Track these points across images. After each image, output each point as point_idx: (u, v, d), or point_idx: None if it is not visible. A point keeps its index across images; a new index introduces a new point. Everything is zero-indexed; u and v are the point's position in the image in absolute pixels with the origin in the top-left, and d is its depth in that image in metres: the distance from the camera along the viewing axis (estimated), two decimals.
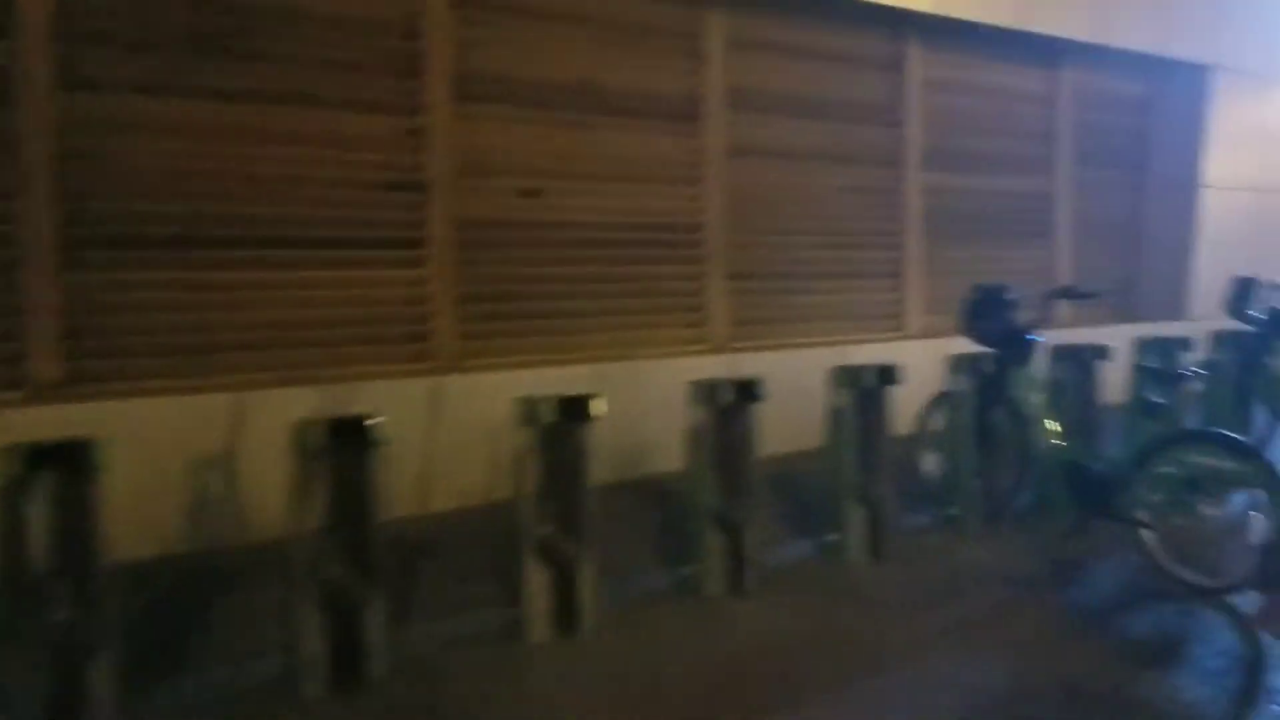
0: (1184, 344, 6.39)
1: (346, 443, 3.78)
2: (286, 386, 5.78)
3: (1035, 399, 5.41)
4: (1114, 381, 6.52)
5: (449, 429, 6.23)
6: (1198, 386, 6.21)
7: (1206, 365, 7.02)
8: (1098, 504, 5.04)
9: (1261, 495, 4.45)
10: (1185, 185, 11.13)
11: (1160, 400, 5.18)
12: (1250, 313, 6.91)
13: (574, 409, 4.24)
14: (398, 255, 6.49)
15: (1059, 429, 5.32)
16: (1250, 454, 4.55)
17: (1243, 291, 6.96)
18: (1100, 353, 6.06)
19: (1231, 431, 5.91)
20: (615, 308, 7.47)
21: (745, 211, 8.15)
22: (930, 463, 6.01)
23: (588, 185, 7.35)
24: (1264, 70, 11.56)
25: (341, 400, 5.72)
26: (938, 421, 5.97)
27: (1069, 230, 10.61)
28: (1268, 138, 11.79)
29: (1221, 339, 6.83)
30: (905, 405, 6.16)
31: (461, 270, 6.74)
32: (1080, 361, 6.06)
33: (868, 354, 7.91)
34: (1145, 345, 6.37)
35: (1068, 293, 5.81)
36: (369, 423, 3.82)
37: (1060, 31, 9.70)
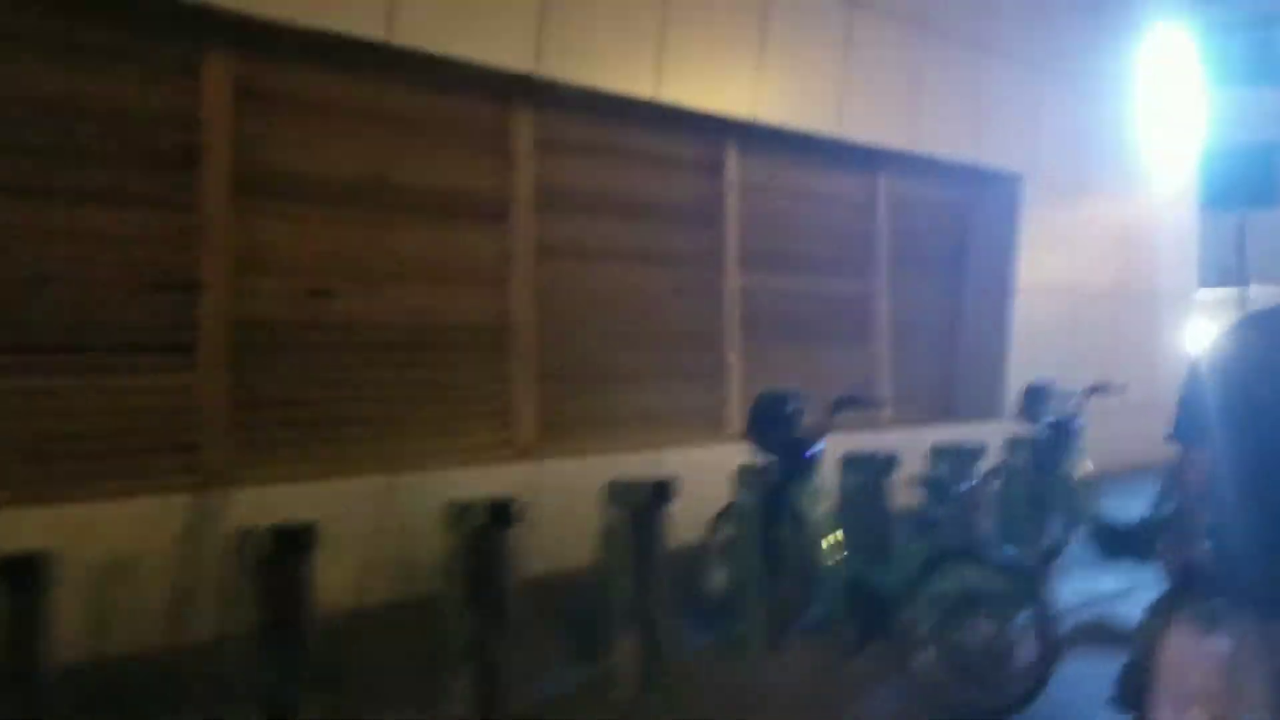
0: (976, 451, 6.40)
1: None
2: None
3: (818, 511, 5.26)
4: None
5: (210, 552, 5.73)
6: (978, 499, 6.20)
7: (1000, 471, 7.08)
8: (877, 622, 4.90)
9: (1029, 613, 4.41)
10: (999, 289, 11.46)
11: (939, 513, 5.11)
12: (1042, 419, 7.00)
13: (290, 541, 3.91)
14: (162, 360, 6.06)
15: (840, 543, 5.18)
16: (1018, 571, 4.48)
17: (1035, 397, 7.06)
18: (890, 462, 6.00)
19: (1025, 539, 6.00)
20: (412, 414, 7.16)
21: (556, 312, 7.97)
22: (717, 578, 5.80)
23: (386, 285, 7.07)
24: (1069, 179, 12.07)
25: (90, 523, 5.29)
26: (725, 534, 5.77)
27: (888, 332, 10.75)
28: (1075, 243, 12.28)
29: (1015, 444, 6.89)
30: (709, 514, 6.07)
31: (239, 376, 6.35)
32: (870, 471, 5.99)
33: (686, 457, 7.85)
34: (938, 453, 6.37)
35: (851, 402, 5.66)
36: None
37: (875, 141, 9.94)
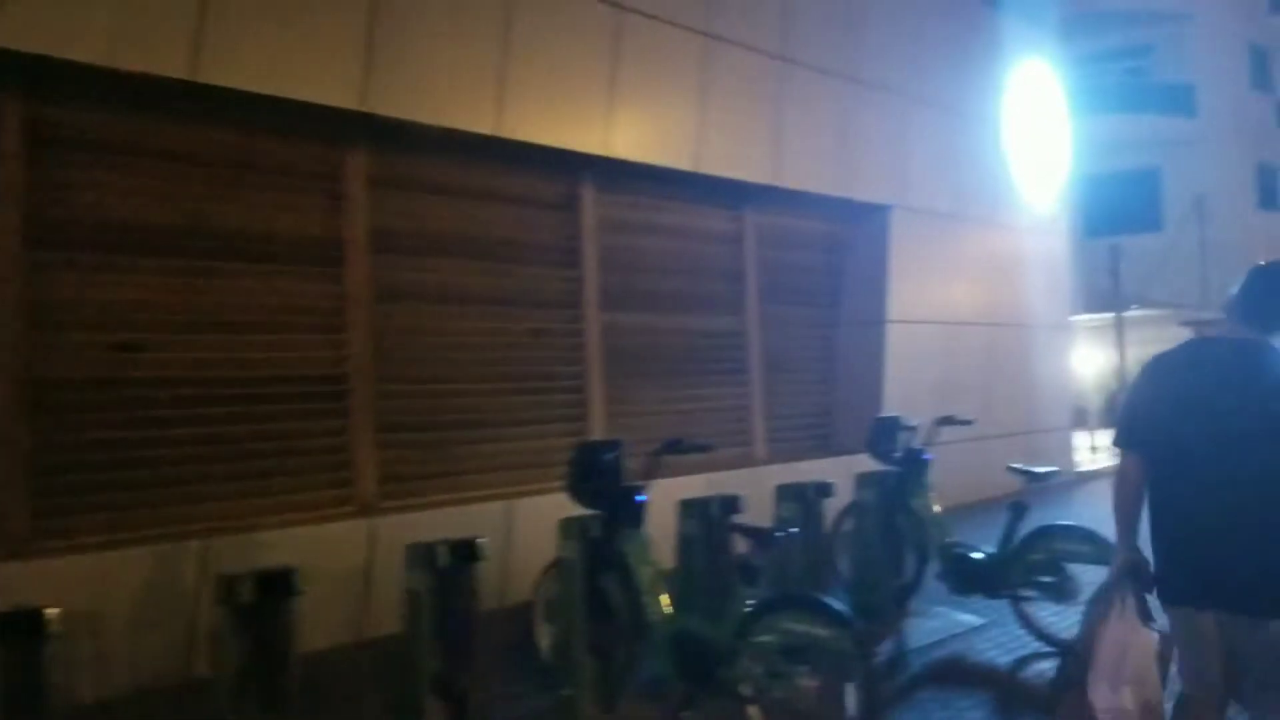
0: (822, 489, 6.20)
1: None
2: None
3: (648, 562, 4.98)
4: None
5: None
6: (815, 540, 5.98)
7: (852, 509, 6.90)
8: (706, 677, 4.66)
9: (853, 664, 4.24)
10: (873, 320, 11.39)
11: (762, 560, 4.85)
12: (891, 453, 6.84)
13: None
14: None
15: (667, 596, 4.92)
16: (839, 620, 4.24)
17: (883, 431, 6.90)
18: (730, 504, 5.73)
19: (879, 577, 5.81)
20: (240, 471, 6.74)
21: (398, 359, 7.63)
22: (545, 637, 5.52)
23: (207, 335, 6.66)
24: (940, 209, 12.10)
25: None
26: (552, 591, 5.49)
27: (760, 367, 10.59)
28: (949, 273, 12.30)
29: (864, 480, 6.71)
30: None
31: (36, 438, 5.89)
32: (708, 515, 5.72)
33: (542, 505, 7.50)
34: (782, 492, 6.15)
35: (676, 446, 5.35)
36: None
37: (738, 175, 9.81)
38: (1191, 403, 3.18)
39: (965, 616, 6.64)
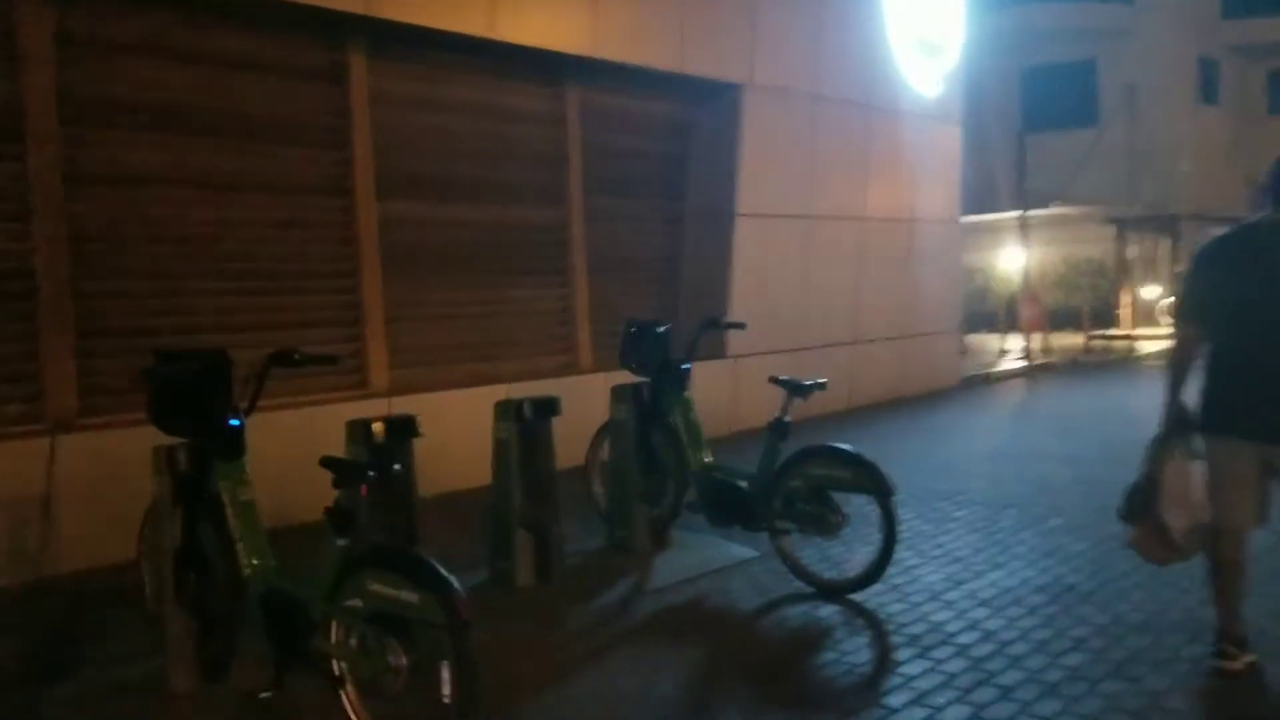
0: (547, 405, 5.26)
1: None
2: None
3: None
4: None
5: None
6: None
7: (607, 430, 5.96)
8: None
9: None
10: (719, 214, 10.34)
11: (354, 502, 3.80)
12: (645, 363, 5.86)
13: None
14: None
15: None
16: (430, 583, 3.31)
17: (638, 339, 5.90)
18: (548, 407, 5.33)
19: (632, 506, 5.14)
20: None
21: (102, 253, 6.51)
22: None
23: None
24: (802, 91, 10.98)
25: None
26: (604, 450, 6.13)
27: (584, 267, 9.53)
28: (814, 163, 11.22)
29: (619, 395, 5.75)
30: None
31: None
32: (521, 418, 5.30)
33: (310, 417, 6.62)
34: (502, 409, 5.20)
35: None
36: None
37: (546, 44, 8.61)
38: (1247, 270, 3.80)
39: (738, 549, 5.75)
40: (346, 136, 7.74)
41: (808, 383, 5.23)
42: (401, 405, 7.47)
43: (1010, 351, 18.68)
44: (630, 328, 5.92)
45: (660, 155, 10.32)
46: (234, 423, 3.89)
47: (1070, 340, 21.11)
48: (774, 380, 5.35)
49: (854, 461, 4.91)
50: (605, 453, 6.00)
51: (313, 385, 7.41)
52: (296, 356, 3.95)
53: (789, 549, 5.19)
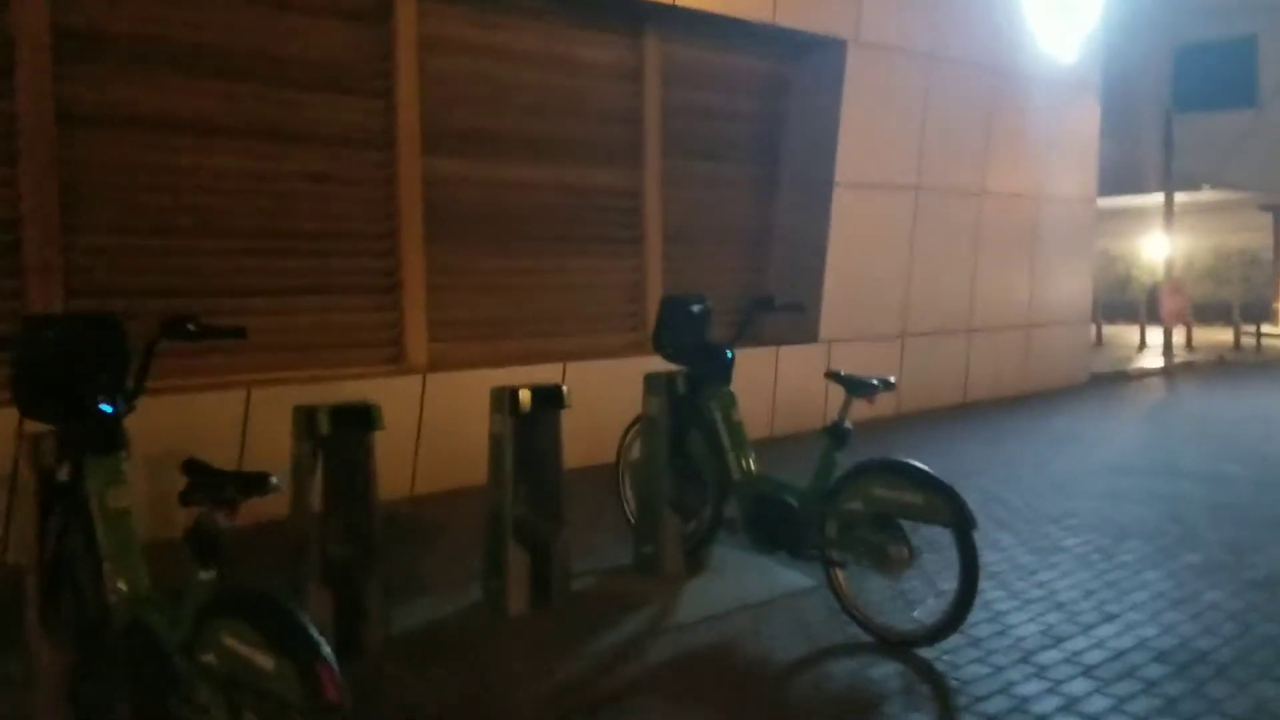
0: (551, 394, 4.34)
1: None
2: None
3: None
4: None
5: None
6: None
7: (640, 427, 5.02)
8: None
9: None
10: (817, 183, 9.27)
11: (214, 528, 2.97)
12: (681, 349, 4.88)
13: None
14: None
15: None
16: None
17: (670, 318, 4.91)
18: (551, 396, 4.27)
19: (663, 520, 4.30)
20: None
21: (95, 203, 5.87)
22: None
23: None
24: (916, 49, 9.80)
25: None
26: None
27: (664, 237, 8.60)
28: (921, 128, 10.03)
29: (652, 385, 4.79)
30: None
31: None
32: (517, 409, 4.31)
33: (330, 394, 5.91)
34: (497, 398, 4.28)
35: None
36: None
37: None
38: None
39: (789, 576, 4.78)
40: (390, 83, 6.97)
41: (874, 381, 4.20)
42: (440, 384, 6.73)
43: (1150, 347, 17.08)
44: (665, 304, 4.96)
45: (751, 116, 9.30)
46: (105, 408, 3.09)
47: (1217, 336, 19.29)
48: (831, 376, 4.33)
49: (926, 483, 3.89)
50: (636, 451, 5.07)
51: (336, 358, 6.71)
52: (191, 327, 3.10)
53: (844, 585, 4.21)
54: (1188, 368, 15.28)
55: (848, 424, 4.24)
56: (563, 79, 7.90)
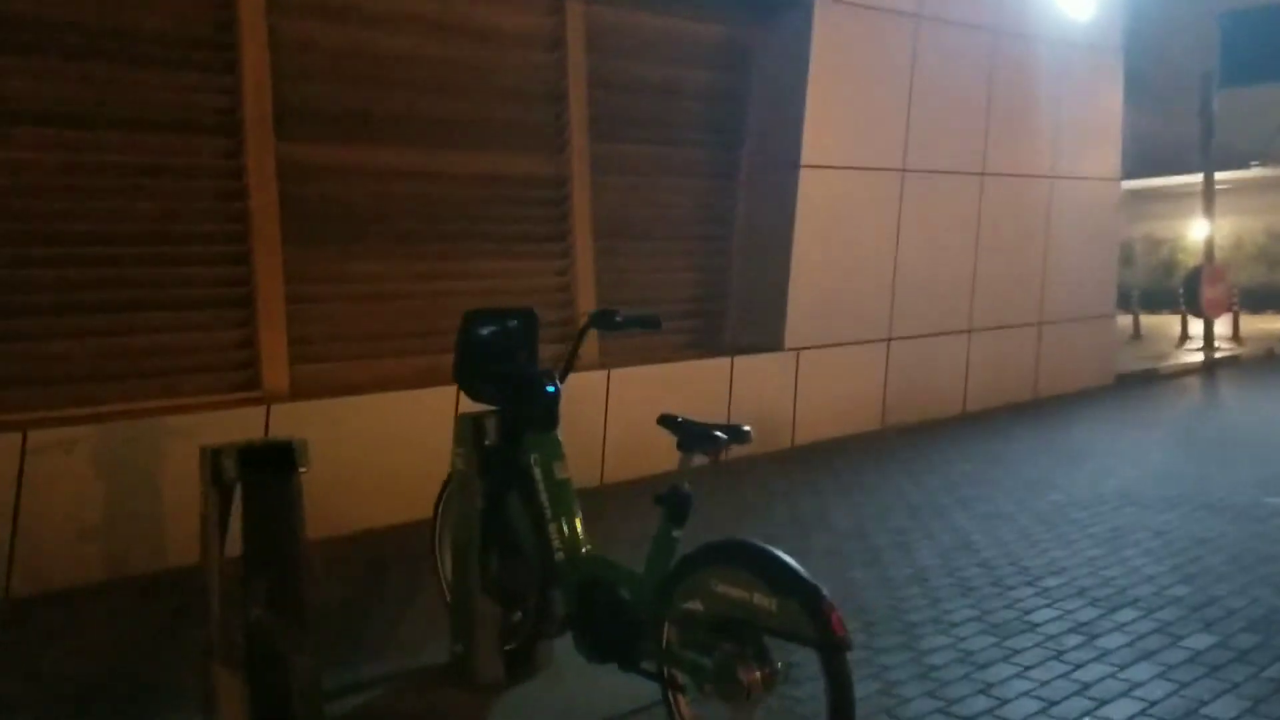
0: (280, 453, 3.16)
1: None
2: None
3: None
4: None
5: None
6: None
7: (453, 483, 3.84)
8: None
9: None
10: (780, 166, 8.03)
11: None
12: (481, 380, 3.64)
13: None
14: None
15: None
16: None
17: (472, 341, 3.63)
18: None
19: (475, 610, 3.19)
20: None
21: None
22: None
23: None
24: (899, 3, 8.51)
25: None
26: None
27: (596, 232, 7.42)
28: (906, 98, 8.73)
29: (464, 428, 3.57)
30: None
31: None
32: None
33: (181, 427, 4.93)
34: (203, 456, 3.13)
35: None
36: None
37: None
38: None
39: (647, 685, 3.54)
40: (234, 55, 5.83)
41: (717, 433, 2.97)
42: (305, 414, 5.60)
43: (1192, 339, 15.59)
44: (466, 321, 3.69)
45: (701, 90, 8.07)
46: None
47: (1269, 325, 17.71)
48: (665, 423, 3.10)
49: (782, 580, 2.67)
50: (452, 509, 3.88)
51: (178, 385, 5.63)
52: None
53: (686, 713, 3.00)
54: (1232, 363, 13.81)
55: (687, 488, 3.02)
56: (466, 49, 6.74)
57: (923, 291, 8.93)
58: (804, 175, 7.93)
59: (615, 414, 6.91)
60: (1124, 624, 4.12)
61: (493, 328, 3.64)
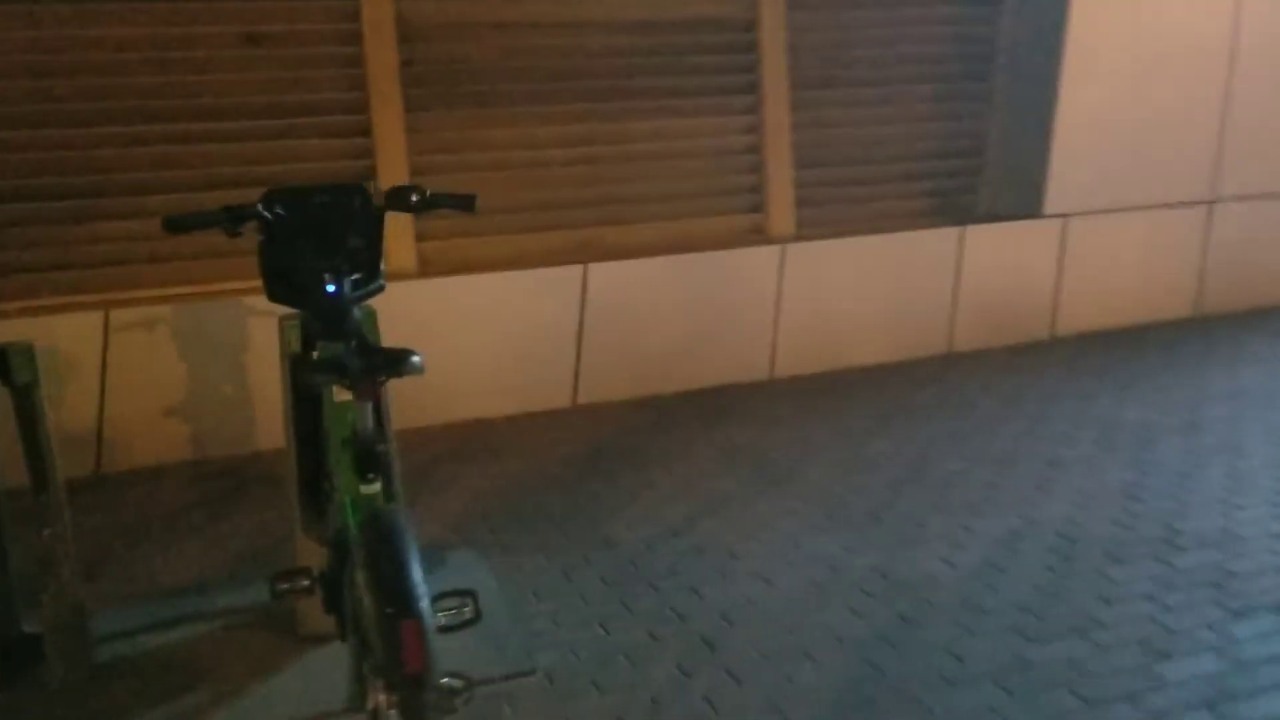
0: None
1: None
2: None
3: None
4: None
5: None
6: None
7: None
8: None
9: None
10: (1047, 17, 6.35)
11: None
12: (271, 278, 2.81)
13: None
14: None
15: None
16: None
17: (271, 230, 2.79)
18: None
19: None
20: None
21: None
22: None
23: None
24: None
25: None
26: None
27: (789, 81, 6.29)
28: None
29: (282, 333, 2.93)
30: None
31: None
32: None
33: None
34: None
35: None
36: None
37: None
38: None
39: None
40: None
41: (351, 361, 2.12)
42: (427, 291, 5.33)
43: None
44: (264, 202, 2.87)
45: None
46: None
47: None
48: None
49: (389, 593, 1.92)
50: None
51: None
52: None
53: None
54: None
55: (371, 430, 2.24)
56: None
57: (1258, 137, 6.82)
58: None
59: (791, 298, 5.93)
60: None
61: (289, 210, 2.90)
